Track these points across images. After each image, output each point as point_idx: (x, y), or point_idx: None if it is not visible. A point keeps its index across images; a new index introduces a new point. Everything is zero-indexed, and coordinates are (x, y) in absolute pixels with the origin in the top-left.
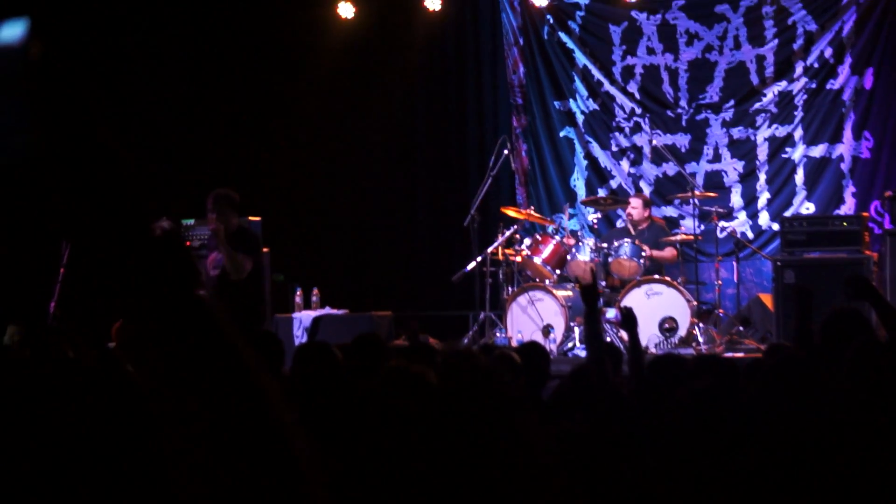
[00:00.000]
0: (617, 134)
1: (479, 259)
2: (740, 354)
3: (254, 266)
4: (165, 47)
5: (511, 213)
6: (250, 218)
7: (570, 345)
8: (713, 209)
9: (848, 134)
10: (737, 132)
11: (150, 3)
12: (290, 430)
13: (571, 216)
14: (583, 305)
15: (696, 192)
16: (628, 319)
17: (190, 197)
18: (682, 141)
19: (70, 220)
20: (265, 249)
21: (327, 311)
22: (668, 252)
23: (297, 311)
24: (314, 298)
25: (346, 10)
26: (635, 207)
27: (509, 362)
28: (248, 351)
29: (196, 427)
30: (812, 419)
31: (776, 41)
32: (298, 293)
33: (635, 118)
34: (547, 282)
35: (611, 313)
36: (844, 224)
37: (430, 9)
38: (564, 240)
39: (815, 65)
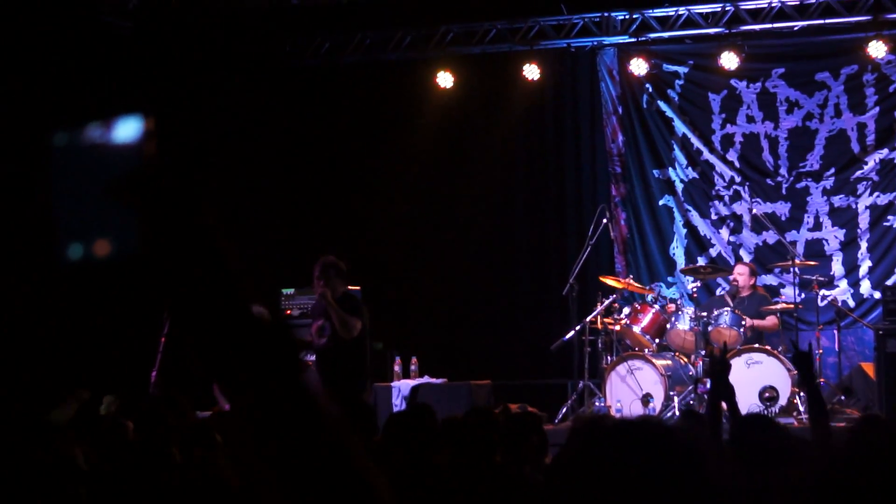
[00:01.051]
0: (716, 202)
1: (577, 328)
2: (842, 424)
3: (360, 332)
4: (269, 118)
5: (610, 281)
6: (349, 287)
7: (669, 414)
8: (814, 278)
9: None
10: (837, 200)
11: (256, 74)
12: None
13: (671, 285)
14: (683, 375)
15: (797, 261)
16: (727, 388)
17: (291, 266)
18: (782, 209)
19: (180, 308)
20: None
21: (426, 380)
22: (770, 321)
23: (395, 380)
24: (413, 367)
25: (446, 80)
26: (741, 274)
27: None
28: (350, 437)
29: None
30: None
31: (877, 109)
32: (397, 362)
33: (735, 186)
34: (646, 351)
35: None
36: None
37: (529, 78)
38: (664, 308)
39: None
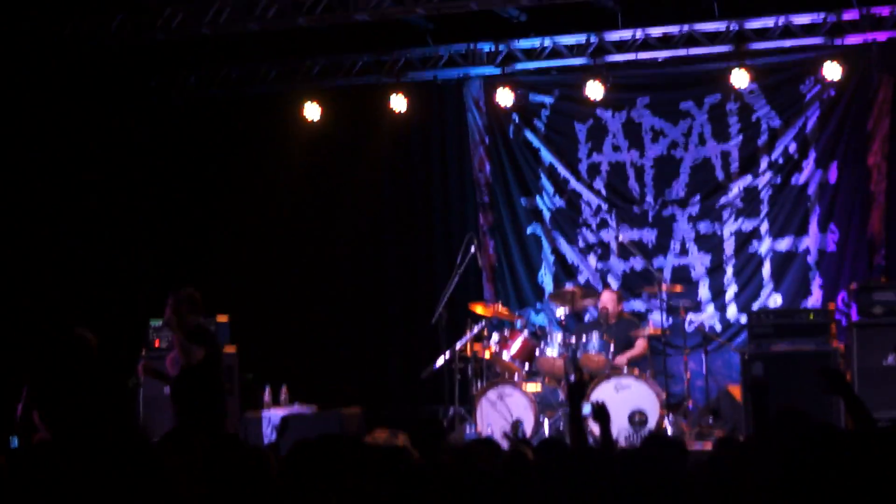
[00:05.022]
0: (584, 230)
1: (447, 355)
2: (710, 445)
3: (207, 360)
4: (136, 153)
5: (479, 309)
6: (219, 317)
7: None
8: (681, 303)
9: (814, 227)
10: (703, 227)
11: (120, 110)
12: None
13: (539, 311)
14: (553, 400)
15: (664, 287)
16: (600, 414)
17: (160, 297)
18: (648, 236)
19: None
20: (231, 349)
21: (296, 408)
22: (640, 346)
23: (266, 409)
24: (283, 396)
25: (313, 112)
26: (609, 301)
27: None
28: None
29: None
30: None
31: (741, 137)
32: (267, 391)
33: (602, 214)
34: (516, 377)
35: (586, 409)
36: (811, 317)
37: (396, 110)
38: (534, 335)
39: (780, 160)
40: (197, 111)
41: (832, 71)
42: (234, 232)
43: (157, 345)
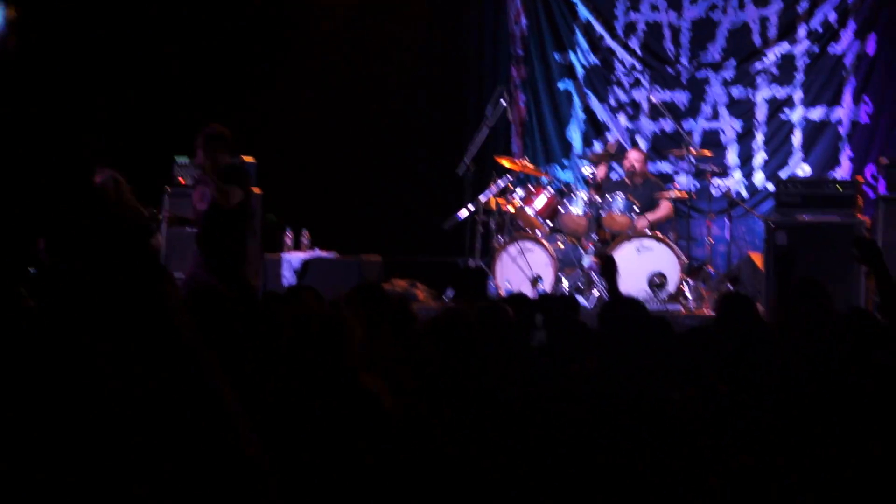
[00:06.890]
0: (616, 88)
1: (471, 207)
2: None
3: (243, 200)
4: None
5: (505, 163)
6: (245, 157)
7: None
8: (708, 167)
9: (847, 98)
10: (736, 92)
11: None
12: (241, 430)
13: (566, 168)
14: (573, 258)
15: (692, 150)
16: (607, 267)
17: (186, 135)
18: (681, 98)
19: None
20: (257, 191)
21: (317, 253)
22: (664, 208)
23: (286, 251)
24: (304, 240)
25: None
26: (637, 160)
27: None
28: (199, 348)
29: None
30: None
31: (780, 3)
32: (289, 234)
33: (635, 74)
34: (538, 233)
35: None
36: (839, 188)
37: None
38: (559, 191)
39: (819, 28)
40: None
41: None
42: (262, 73)
43: (181, 182)
